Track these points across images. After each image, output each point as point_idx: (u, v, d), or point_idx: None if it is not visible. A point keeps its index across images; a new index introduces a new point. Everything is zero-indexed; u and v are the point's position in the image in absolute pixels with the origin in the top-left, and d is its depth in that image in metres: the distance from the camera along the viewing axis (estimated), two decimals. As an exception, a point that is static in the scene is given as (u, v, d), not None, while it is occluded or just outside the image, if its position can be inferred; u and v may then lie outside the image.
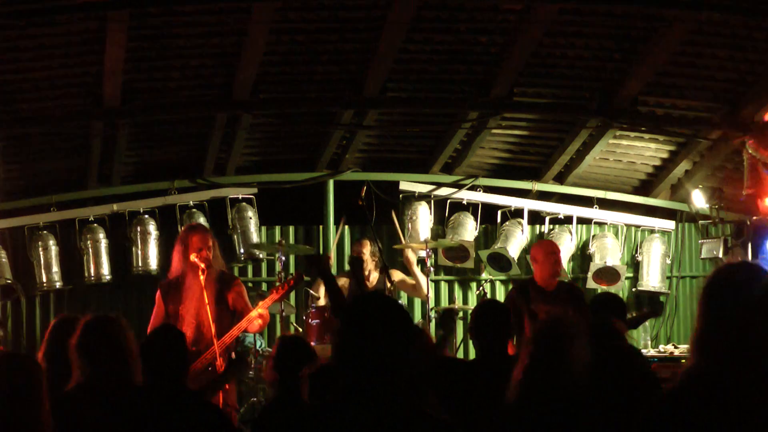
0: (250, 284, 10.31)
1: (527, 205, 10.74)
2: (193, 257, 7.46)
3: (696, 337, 3.07)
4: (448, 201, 10.66)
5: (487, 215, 10.74)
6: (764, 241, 9.38)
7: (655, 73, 8.91)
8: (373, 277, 9.73)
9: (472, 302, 10.62)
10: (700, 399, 2.98)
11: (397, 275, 9.59)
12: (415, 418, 3.10)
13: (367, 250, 9.48)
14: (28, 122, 9.03)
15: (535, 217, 10.88)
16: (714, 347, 3.02)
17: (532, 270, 10.49)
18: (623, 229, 10.92)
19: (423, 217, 10.49)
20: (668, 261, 10.82)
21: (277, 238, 10.37)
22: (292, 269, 10.43)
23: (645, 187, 10.96)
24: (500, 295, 10.76)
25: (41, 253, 9.85)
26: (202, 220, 10.04)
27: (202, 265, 7.38)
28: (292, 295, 9.79)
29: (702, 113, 9.34)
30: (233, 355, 7.69)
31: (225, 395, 7.04)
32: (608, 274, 10.59)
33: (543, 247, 8.30)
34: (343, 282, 9.80)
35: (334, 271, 10.38)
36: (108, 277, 10.05)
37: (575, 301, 8.20)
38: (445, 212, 10.64)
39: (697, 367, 3.04)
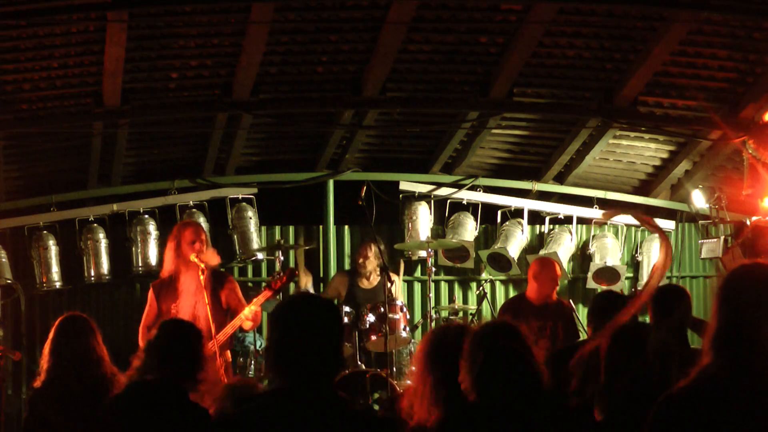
0: (250, 284, 10.32)
1: (527, 205, 10.73)
2: (192, 257, 7.46)
3: (711, 335, 3.08)
4: (448, 201, 10.65)
5: (487, 215, 10.73)
6: None
7: (655, 73, 8.91)
8: (374, 278, 9.69)
9: (472, 302, 10.62)
10: (714, 397, 3.00)
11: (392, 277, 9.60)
12: (351, 415, 3.16)
13: (371, 253, 9.53)
14: (28, 122, 9.03)
15: (535, 217, 10.88)
16: (729, 346, 3.03)
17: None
18: (623, 229, 10.91)
19: (423, 217, 10.48)
20: (668, 261, 10.80)
21: (277, 238, 10.38)
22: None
23: (645, 187, 10.96)
24: (500, 295, 10.77)
25: (41, 253, 9.84)
26: (201, 220, 10.03)
27: (202, 265, 7.39)
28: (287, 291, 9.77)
29: (702, 113, 9.34)
30: (228, 354, 7.70)
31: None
32: (608, 274, 10.59)
33: (543, 271, 8.36)
34: (340, 281, 9.78)
35: (333, 270, 10.42)
36: (108, 277, 10.04)
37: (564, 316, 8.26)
38: (445, 212, 10.63)
39: (712, 365, 3.06)
